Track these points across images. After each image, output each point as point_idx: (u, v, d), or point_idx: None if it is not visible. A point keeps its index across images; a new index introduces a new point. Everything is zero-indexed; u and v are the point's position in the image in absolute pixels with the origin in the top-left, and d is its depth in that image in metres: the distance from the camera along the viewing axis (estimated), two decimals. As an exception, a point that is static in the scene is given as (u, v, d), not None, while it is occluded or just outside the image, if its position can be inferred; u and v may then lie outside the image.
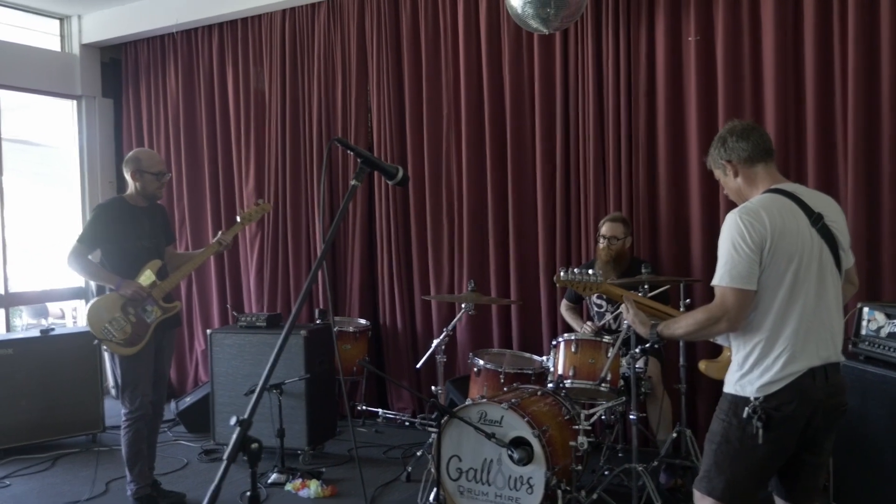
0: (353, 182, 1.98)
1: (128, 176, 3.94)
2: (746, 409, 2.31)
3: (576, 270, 2.85)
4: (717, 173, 2.63)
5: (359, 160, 2.02)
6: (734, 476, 2.36)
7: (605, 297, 4.35)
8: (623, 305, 2.70)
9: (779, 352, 2.32)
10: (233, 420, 1.74)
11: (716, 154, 2.59)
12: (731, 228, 2.34)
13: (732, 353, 2.45)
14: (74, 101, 6.77)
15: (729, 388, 2.42)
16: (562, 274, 2.86)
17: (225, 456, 1.69)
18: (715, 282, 2.35)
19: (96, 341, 3.82)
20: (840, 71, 4.09)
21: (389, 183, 2.12)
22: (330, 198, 5.80)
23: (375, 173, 2.18)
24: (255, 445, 1.72)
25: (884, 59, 3.96)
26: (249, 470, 1.78)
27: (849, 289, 2.58)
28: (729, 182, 2.58)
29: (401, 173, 2.13)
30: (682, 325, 2.47)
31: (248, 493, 1.78)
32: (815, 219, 2.39)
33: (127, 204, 3.96)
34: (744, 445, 2.33)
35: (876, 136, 4.01)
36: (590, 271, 2.84)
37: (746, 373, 2.36)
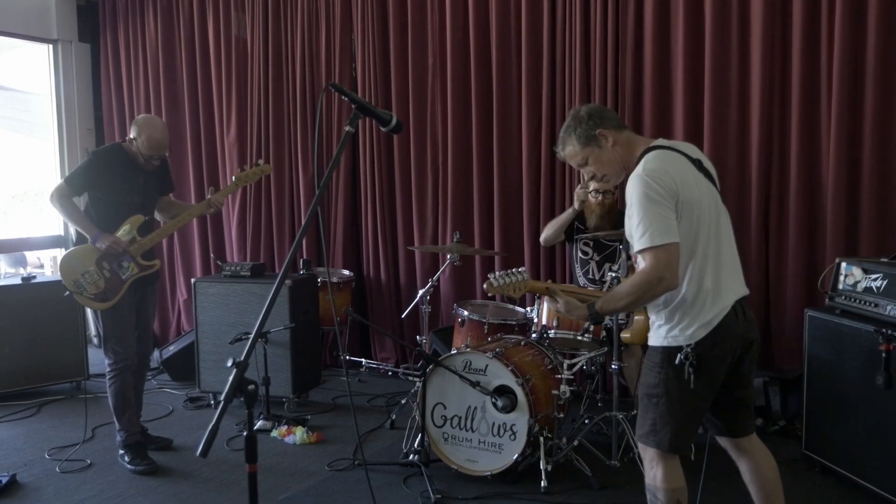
0: (347, 128, 1.98)
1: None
2: (679, 355, 2.35)
3: (497, 274, 2.70)
4: (586, 152, 2.51)
5: (353, 106, 2.02)
6: (679, 424, 2.42)
7: (590, 244, 4.39)
8: (547, 298, 2.63)
9: (703, 298, 2.36)
10: (229, 362, 1.76)
11: (583, 130, 2.49)
12: (641, 188, 2.29)
13: (654, 310, 2.45)
14: (50, 46, 6.59)
15: (659, 341, 2.43)
16: (493, 281, 2.68)
17: (222, 396, 1.72)
18: (642, 246, 2.29)
19: (67, 293, 3.76)
20: (827, 23, 4.09)
21: (383, 129, 2.12)
22: (319, 147, 5.76)
23: (362, 122, 2.17)
24: (251, 387, 1.75)
25: (870, 11, 3.97)
26: (239, 412, 1.81)
27: None
28: (605, 154, 2.49)
29: (394, 120, 2.12)
30: (621, 295, 2.40)
31: (244, 433, 1.81)
32: (697, 165, 2.44)
33: (124, 155, 3.83)
34: (684, 393, 2.38)
35: (860, 89, 4.04)
36: (513, 270, 2.71)
37: (676, 324, 2.38)
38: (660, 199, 2.27)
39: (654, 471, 2.46)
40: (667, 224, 2.27)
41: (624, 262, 2.66)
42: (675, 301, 2.38)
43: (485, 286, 2.70)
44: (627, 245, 2.53)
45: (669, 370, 2.39)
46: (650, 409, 2.45)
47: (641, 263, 2.35)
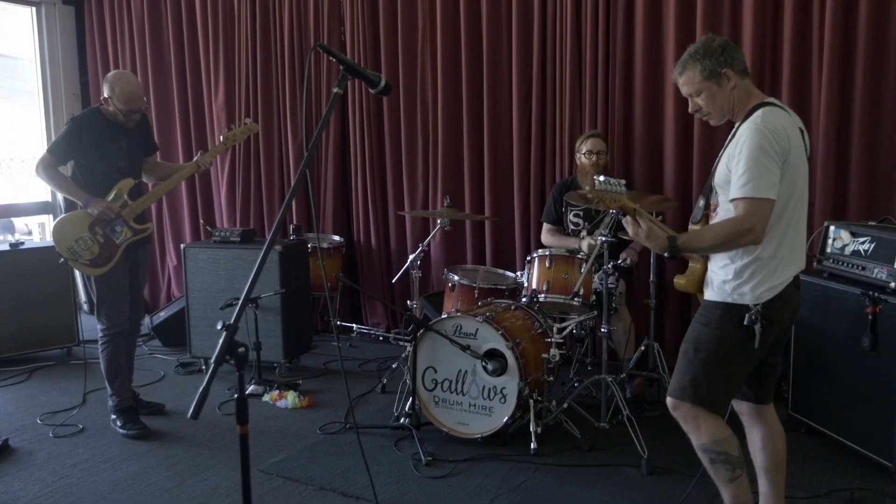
0: (335, 90, 1.96)
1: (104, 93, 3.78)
2: (747, 315, 2.34)
3: (604, 178, 2.54)
4: (704, 85, 2.43)
5: (341, 67, 1.99)
6: (723, 382, 2.43)
7: (581, 214, 4.40)
8: (629, 221, 2.54)
9: (776, 262, 2.36)
10: (219, 325, 1.76)
11: (710, 63, 2.40)
12: (758, 139, 2.26)
13: (720, 263, 2.44)
14: (33, 8, 6.48)
15: (721, 297, 2.41)
16: (597, 184, 2.51)
17: (213, 359, 1.72)
18: (744, 193, 2.26)
19: (62, 259, 3.72)
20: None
21: (372, 91, 2.10)
22: (308, 110, 5.70)
23: (351, 86, 2.15)
24: (241, 349, 1.76)
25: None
26: (231, 377, 1.81)
27: None
28: (721, 95, 2.42)
29: (383, 81, 2.10)
30: (706, 238, 2.40)
31: (235, 396, 1.82)
32: (802, 132, 2.43)
33: (104, 118, 3.78)
34: (738, 351, 2.38)
35: (851, 54, 4.01)
36: (616, 181, 2.54)
37: (745, 282, 2.36)
38: (773, 153, 2.26)
39: (700, 430, 2.43)
40: (771, 180, 2.26)
41: (700, 209, 2.55)
42: (749, 258, 2.36)
43: (587, 187, 2.58)
44: (709, 191, 2.49)
45: (727, 326, 2.38)
46: (694, 363, 2.42)
47: (726, 213, 2.36)
